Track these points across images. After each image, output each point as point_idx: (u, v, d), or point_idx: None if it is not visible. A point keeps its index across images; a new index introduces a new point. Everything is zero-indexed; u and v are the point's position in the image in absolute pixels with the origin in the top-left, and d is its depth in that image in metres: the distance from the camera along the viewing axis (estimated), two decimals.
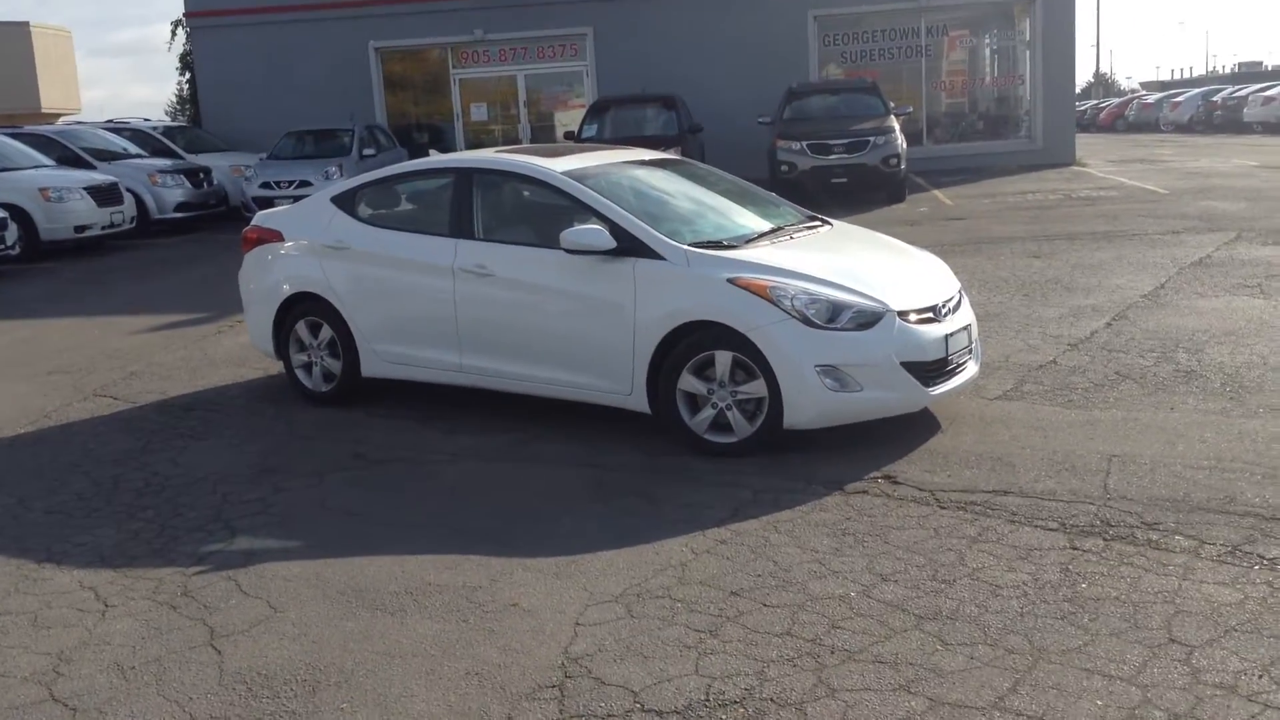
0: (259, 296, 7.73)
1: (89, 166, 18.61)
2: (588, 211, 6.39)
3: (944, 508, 5.22)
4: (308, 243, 7.43)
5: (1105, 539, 4.77)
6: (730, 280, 5.93)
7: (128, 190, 17.94)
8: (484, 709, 3.67)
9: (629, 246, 6.19)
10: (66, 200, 16.24)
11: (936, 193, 19.49)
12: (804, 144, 18.05)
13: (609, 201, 6.39)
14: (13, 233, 14.93)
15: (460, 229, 6.86)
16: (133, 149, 20.70)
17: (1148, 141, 36.32)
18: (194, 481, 6.12)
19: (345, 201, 7.41)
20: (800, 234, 6.77)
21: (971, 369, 6.43)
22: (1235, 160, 24.38)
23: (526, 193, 6.87)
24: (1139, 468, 5.54)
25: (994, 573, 4.50)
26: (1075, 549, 4.69)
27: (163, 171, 19.23)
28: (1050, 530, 4.89)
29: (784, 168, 18.10)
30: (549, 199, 6.64)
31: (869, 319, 5.87)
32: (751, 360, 5.87)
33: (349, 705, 3.73)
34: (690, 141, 19.06)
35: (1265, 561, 4.47)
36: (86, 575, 4.93)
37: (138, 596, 4.69)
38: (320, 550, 5.06)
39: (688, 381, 6.04)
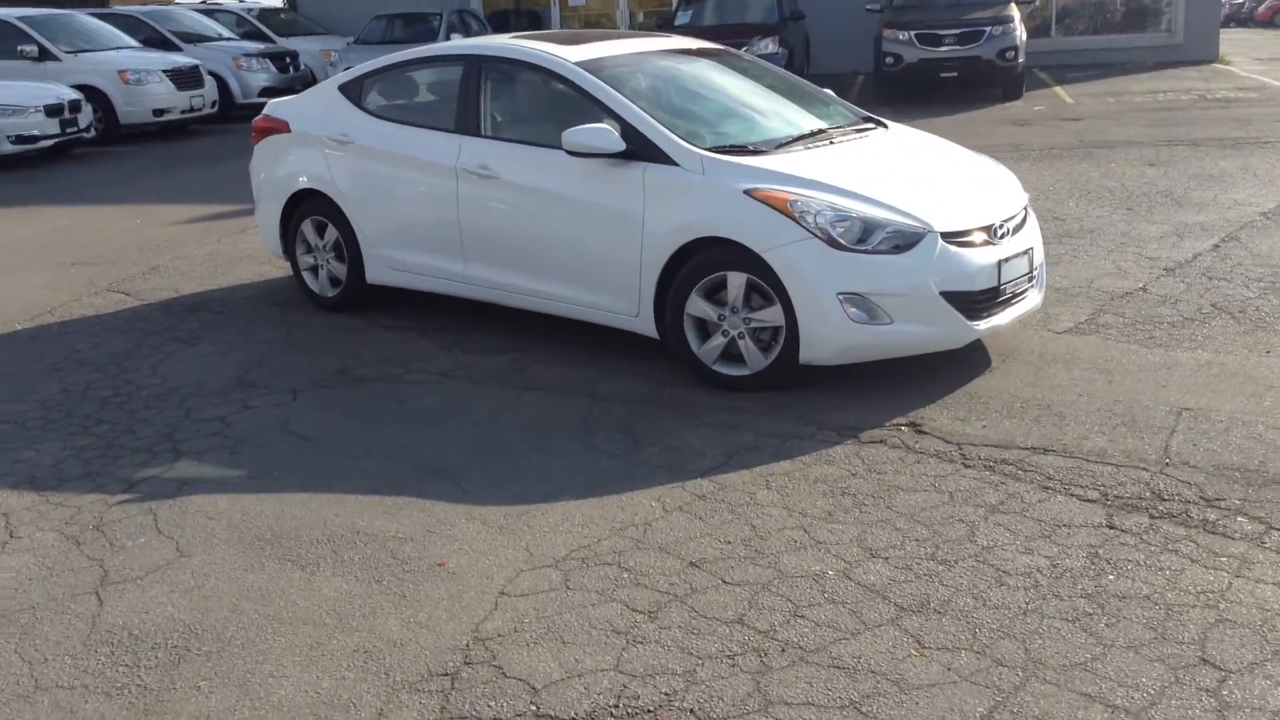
0: (266, 192, 7.22)
1: (175, 49, 18.35)
2: (599, 108, 5.67)
3: (969, 466, 4.48)
4: (313, 135, 6.86)
5: (1152, 516, 3.99)
6: (747, 191, 5.17)
7: (211, 74, 17.64)
8: (355, 699, 3.14)
9: (640, 149, 5.46)
10: (145, 83, 15.99)
11: (1058, 90, 18.02)
12: (912, 34, 16.76)
13: (622, 97, 5.64)
14: (87, 115, 14.72)
15: (466, 125, 6.20)
16: (225, 32, 20.39)
17: None
18: (165, 393, 5.70)
19: (352, 91, 6.81)
20: (845, 139, 5.93)
21: (1032, 299, 5.59)
22: None
23: (538, 85, 6.16)
24: (1212, 426, 4.70)
25: (1006, 554, 3.78)
26: (1112, 528, 3.93)
27: (248, 55, 18.88)
28: (1088, 501, 4.13)
29: (889, 60, 16.88)
30: (561, 92, 5.92)
31: (906, 241, 5.07)
32: (768, 284, 5.14)
33: (207, 684, 3.23)
34: (792, 30, 17.93)
35: None
36: (7, 498, 4.54)
37: (47, 527, 4.27)
38: (258, 483, 4.58)
39: (696, 305, 5.34)
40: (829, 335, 5.06)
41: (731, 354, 5.34)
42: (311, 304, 7.13)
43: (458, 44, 6.61)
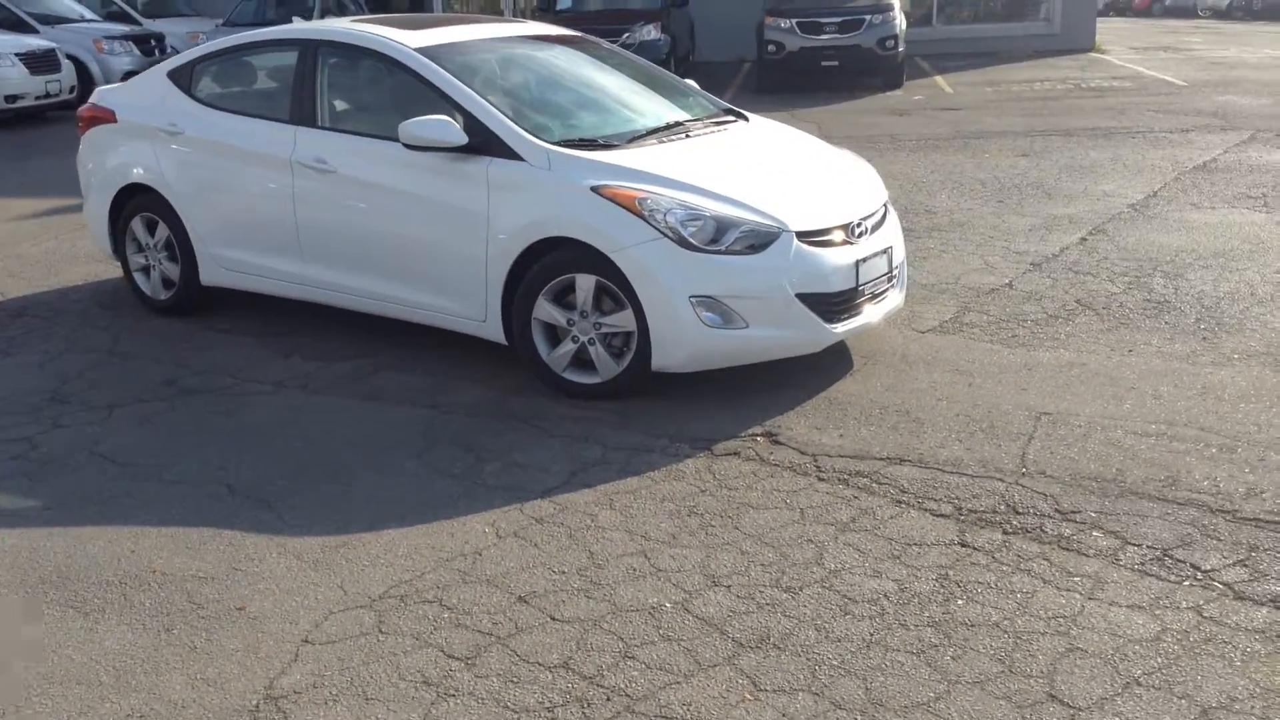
0: (94, 186, 6.72)
1: (30, 30, 17.39)
2: (441, 98, 5.33)
3: (823, 479, 4.27)
4: (141, 125, 6.39)
5: (1005, 532, 3.82)
6: (595, 188, 4.89)
7: (70, 58, 16.75)
8: None
9: (483, 143, 5.14)
10: None
11: (938, 79, 18.11)
12: (794, 22, 16.66)
13: (465, 87, 5.31)
14: None
15: (301, 115, 5.80)
16: (86, 13, 19.40)
17: (1181, 28, 34.29)
18: None
19: (182, 77, 6.35)
20: (703, 132, 5.68)
21: (892, 299, 5.41)
22: (1267, 50, 22.72)
23: (378, 72, 5.78)
24: (1071, 431, 4.56)
25: (854, 578, 3.57)
26: (964, 545, 3.74)
27: (110, 38, 17.98)
28: (941, 516, 3.94)
29: (771, 48, 16.75)
30: (402, 81, 5.56)
31: (761, 240, 4.84)
32: (618, 287, 4.87)
33: None
34: (676, 16, 17.67)
35: (1199, 576, 3.52)
36: None
37: None
38: (54, 515, 4.16)
39: (544, 309, 5.05)
40: (681, 341, 4.81)
41: (583, 360, 5.07)
42: (145, 307, 6.65)
43: (293, 27, 6.20)
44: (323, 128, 5.72)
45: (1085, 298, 6.36)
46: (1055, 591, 3.46)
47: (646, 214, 4.78)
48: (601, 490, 4.24)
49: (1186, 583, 3.48)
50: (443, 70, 5.37)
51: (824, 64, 16.60)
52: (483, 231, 5.12)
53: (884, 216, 5.43)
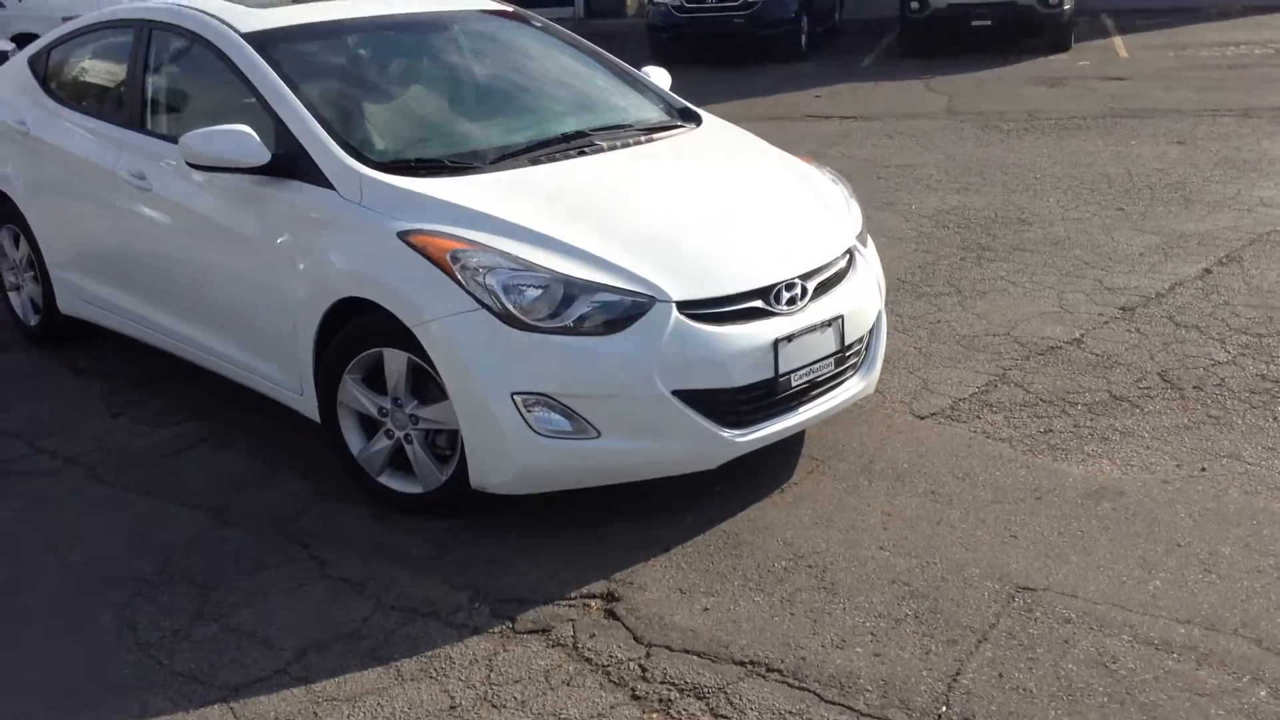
0: None
1: None
2: (257, 99, 4.06)
3: (638, 698, 2.85)
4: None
5: None
6: (403, 234, 3.53)
7: None
8: None
9: (290, 162, 3.85)
10: None
11: (1117, 40, 15.69)
12: None
13: (283, 86, 4.02)
14: None
15: (131, 115, 4.66)
16: None
17: None
18: None
19: (38, 65, 5.30)
20: (614, 145, 4.20)
21: (851, 388, 3.87)
22: None
23: (207, 63, 4.49)
24: (1047, 634, 2.99)
25: None
26: None
27: None
28: None
29: (914, 5, 14.76)
30: (227, 76, 4.29)
31: (623, 314, 3.40)
32: (435, 370, 3.52)
33: None
34: None
35: None
36: None
37: None
38: None
39: (350, 393, 3.75)
40: (504, 453, 3.43)
41: (404, 461, 3.74)
42: (21, 334, 5.67)
43: (133, 4, 4.97)
44: (147, 132, 4.55)
45: (1174, 368, 4.63)
46: None
47: (459, 273, 3.40)
48: (320, 690, 2.93)
49: None
50: (262, 63, 4.09)
51: (974, 24, 14.53)
52: (291, 281, 3.85)
53: (845, 270, 3.88)
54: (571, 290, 3.39)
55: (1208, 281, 5.64)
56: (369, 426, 3.79)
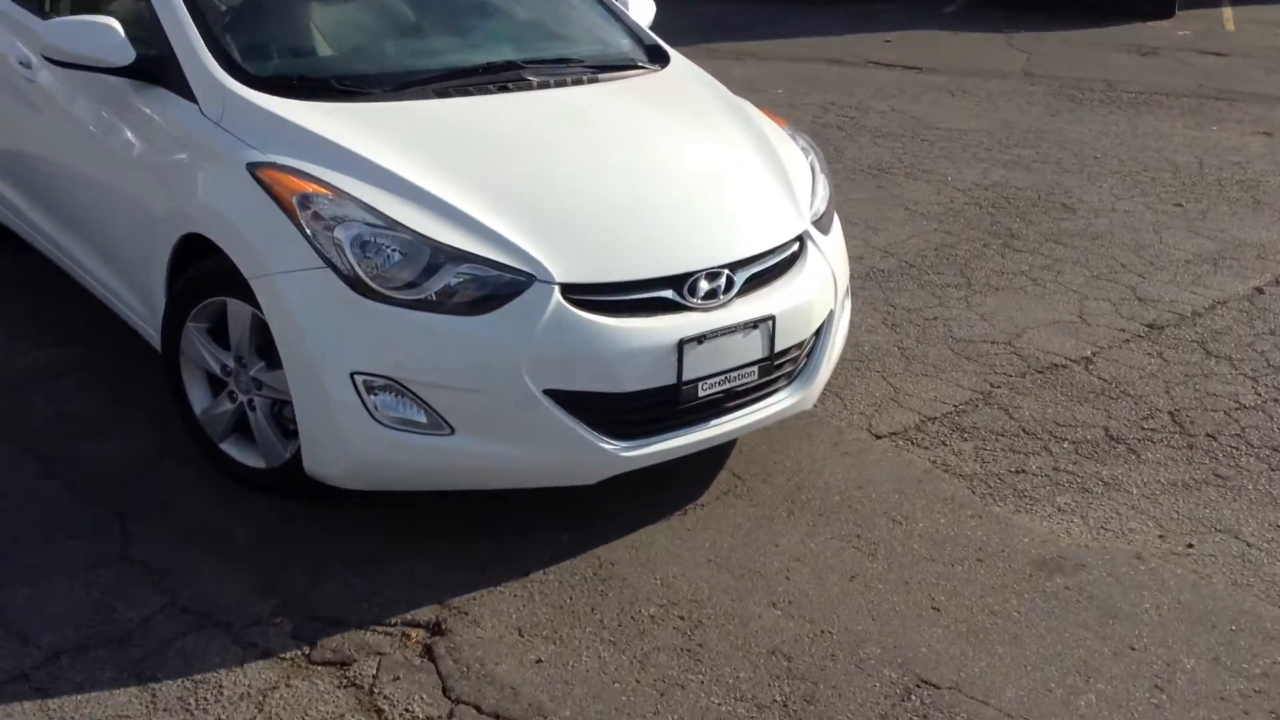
0: None
1: None
2: None
3: None
4: None
5: None
6: (253, 166, 2.97)
7: None
8: None
9: (158, 66, 3.30)
10: None
11: (1226, 10, 14.47)
12: None
13: None
14: None
15: None
16: None
17: None
18: None
19: None
20: (550, 82, 3.57)
21: (780, 402, 3.26)
22: None
23: None
24: None
25: None
26: None
27: None
28: None
29: None
30: None
31: (495, 291, 2.83)
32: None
33: None
34: None
35: None
36: None
37: None
38: None
39: (192, 343, 3.23)
40: (341, 440, 2.89)
41: (247, 427, 3.23)
42: None
43: None
44: (45, 14, 4.01)
45: (1189, 407, 3.95)
46: None
47: (307, 222, 2.84)
48: (54, 709, 2.47)
49: None
50: None
51: None
52: (147, 203, 3.33)
53: (791, 261, 3.25)
54: (436, 258, 2.81)
55: (1256, 303, 4.90)
56: (216, 385, 3.27)
